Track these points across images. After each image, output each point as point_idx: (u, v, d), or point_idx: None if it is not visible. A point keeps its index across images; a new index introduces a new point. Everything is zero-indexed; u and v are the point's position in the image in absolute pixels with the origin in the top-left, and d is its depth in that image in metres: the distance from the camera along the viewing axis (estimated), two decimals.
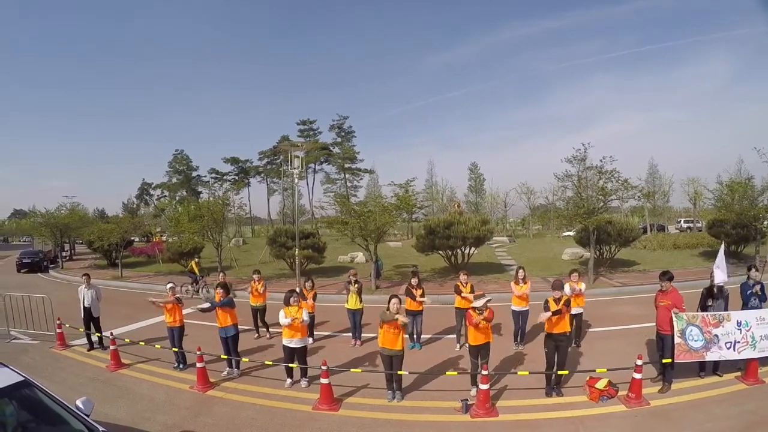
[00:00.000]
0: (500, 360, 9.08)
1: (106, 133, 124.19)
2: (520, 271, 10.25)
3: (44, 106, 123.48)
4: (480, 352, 7.30)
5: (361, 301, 10.78)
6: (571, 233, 31.62)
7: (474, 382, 7.47)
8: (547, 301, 7.39)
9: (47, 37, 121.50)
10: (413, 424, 6.62)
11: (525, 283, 10.06)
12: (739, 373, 7.71)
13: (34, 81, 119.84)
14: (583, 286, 9.86)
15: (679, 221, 56.40)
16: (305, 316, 8.07)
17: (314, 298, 10.90)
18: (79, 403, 4.46)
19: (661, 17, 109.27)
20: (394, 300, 7.44)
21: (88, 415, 4.40)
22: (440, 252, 21.86)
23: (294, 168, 20.64)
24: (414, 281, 10.36)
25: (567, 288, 9.27)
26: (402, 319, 7.24)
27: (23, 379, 4.46)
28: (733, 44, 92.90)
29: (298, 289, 9.81)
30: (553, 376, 7.37)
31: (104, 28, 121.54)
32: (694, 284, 13.81)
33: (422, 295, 10.31)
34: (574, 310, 9.68)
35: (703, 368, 7.85)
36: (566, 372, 7.32)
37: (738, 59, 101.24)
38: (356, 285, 10.76)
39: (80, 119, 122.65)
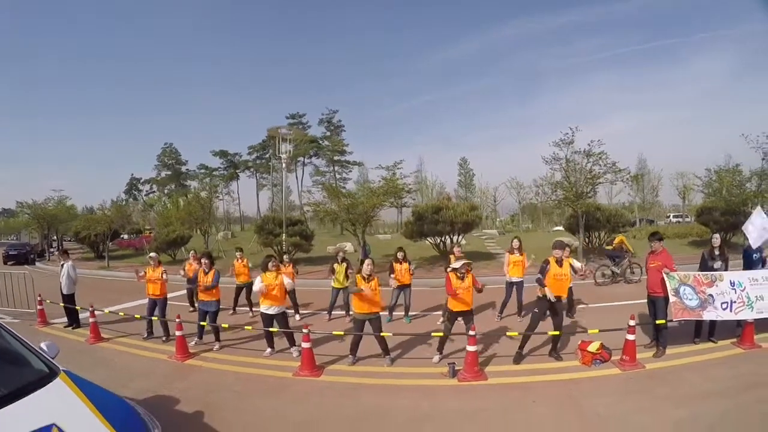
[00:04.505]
0: (486, 330, 8.82)
1: (93, 132, 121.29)
2: (515, 240, 10.09)
3: (29, 105, 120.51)
4: (463, 318, 7.01)
5: (347, 279, 10.46)
6: (561, 227, 31.60)
7: (441, 349, 7.26)
8: (547, 261, 7.13)
9: (34, 36, 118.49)
10: (398, 389, 6.32)
11: (521, 254, 9.86)
12: (734, 339, 7.51)
13: (19, 80, 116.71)
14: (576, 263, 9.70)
15: (668, 216, 56.66)
16: (286, 281, 7.79)
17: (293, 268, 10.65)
18: (43, 345, 4.29)
19: (661, 15, 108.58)
20: (367, 261, 7.23)
21: (52, 358, 4.18)
22: (429, 240, 21.55)
23: (282, 153, 20.43)
24: (400, 255, 10.08)
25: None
26: (366, 292, 6.99)
27: None
28: (733, 42, 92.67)
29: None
30: (528, 340, 7.14)
31: (96, 28, 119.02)
32: (684, 269, 13.64)
33: (408, 269, 10.00)
34: None
35: (698, 334, 7.66)
36: (559, 333, 7.06)
37: (736, 58, 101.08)
38: (344, 263, 10.49)
39: (66, 118, 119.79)
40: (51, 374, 3.91)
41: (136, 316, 9.54)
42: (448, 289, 6.90)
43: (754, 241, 8.31)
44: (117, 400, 3.84)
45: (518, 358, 7.08)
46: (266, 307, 7.75)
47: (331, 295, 10.70)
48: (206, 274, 8.53)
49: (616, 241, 14.91)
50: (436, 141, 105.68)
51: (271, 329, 7.78)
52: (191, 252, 12.04)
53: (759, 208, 9.07)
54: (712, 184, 21.90)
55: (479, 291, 7.00)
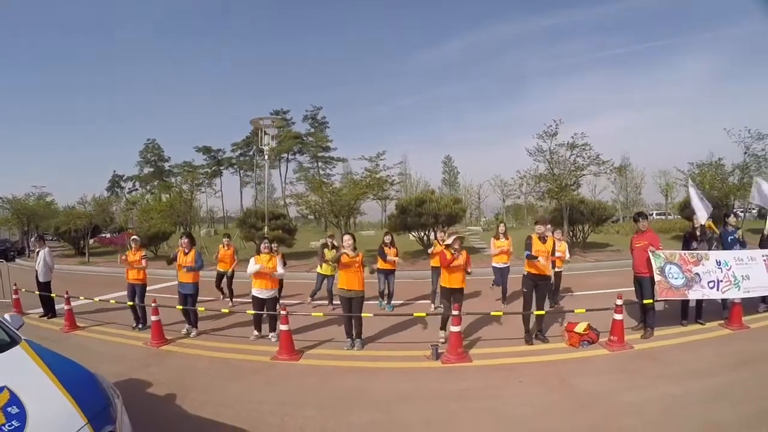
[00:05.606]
0: (470, 313, 8.63)
1: (75, 130, 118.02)
2: (501, 226, 9.94)
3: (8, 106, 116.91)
4: (453, 295, 6.82)
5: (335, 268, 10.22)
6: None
7: (444, 326, 7.01)
8: (530, 238, 6.97)
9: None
10: (379, 372, 6.09)
11: (507, 238, 9.71)
12: (722, 321, 7.44)
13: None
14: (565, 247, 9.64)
15: (651, 213, 57.17)
16: (280, 268, 7.62)
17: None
18: (6, 316, 4.37)
19: (648, 16, 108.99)
20: (346, 237, 7.03)
21: (16, 329, 4.16)
22: (412, 234, 21.30)
23: (265, 145, 20.04)
24: (387, 239, 9.85)
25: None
26: (348, 252, 6.85)
27: None
28: (718, 44, 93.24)
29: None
30: (531, 318, 6.94)
31: (80, 24, 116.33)
32: None
33: (396, 255, 9.79)
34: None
35: (685, 316, 7.57)
36: (543, 312, 6.90)
37: (721, 59, 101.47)
38: (333, 250, 10.19)
39: (47, 118, 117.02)
40: (11, 342, 3.89)
41: (111, 301, 9.21)
42: (443, 261, 6.68)
43: (701, 217, 8.45)
44: (80, 369, 3.69)
45: (529, 338, 6.91)
46: (259, 291, 7.59)
47: (316, 281, 10.45)
48: (186, 254, 8.22)
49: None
50: (421, 140, 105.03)
51: (260, 312, 7.63)
52: (225, 238, 11.75)
53: (690, 182, 9.21)
54: (695, 178, 22.05)
55: (467, 273, 6.84)
